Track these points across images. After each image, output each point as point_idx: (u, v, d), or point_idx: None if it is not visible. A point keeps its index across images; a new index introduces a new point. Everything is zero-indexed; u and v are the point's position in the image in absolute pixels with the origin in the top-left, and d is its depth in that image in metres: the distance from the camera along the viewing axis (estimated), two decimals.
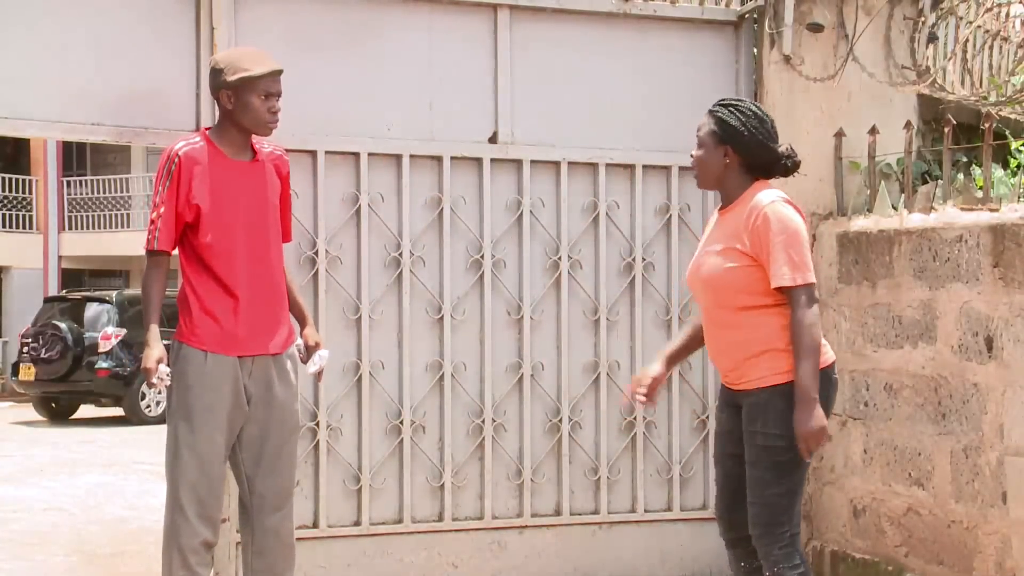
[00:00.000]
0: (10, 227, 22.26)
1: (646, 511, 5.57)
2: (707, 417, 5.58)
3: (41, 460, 11.03)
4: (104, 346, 14.90)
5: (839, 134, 5.52)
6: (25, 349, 15.36)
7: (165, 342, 3.99)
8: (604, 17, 5.53)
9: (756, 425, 3.71)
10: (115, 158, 23.72)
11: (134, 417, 14.86)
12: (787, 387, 3.65)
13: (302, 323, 4.33)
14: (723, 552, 4.05)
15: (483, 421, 5.35)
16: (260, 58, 4.09)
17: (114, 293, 16.09)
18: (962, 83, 5.96)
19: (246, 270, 4.06)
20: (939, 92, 5.60)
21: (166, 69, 4.94)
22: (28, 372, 15.19)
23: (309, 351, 4.31)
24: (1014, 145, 5.80)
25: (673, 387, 5.60)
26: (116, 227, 22.61)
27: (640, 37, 5.59)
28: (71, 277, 23.25)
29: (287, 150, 4.37)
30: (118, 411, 15.23)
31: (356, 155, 5.20)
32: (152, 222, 4.03)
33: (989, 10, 5.98)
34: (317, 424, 5.13)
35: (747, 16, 5.69)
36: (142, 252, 4.09)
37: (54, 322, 15.28)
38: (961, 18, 5.98)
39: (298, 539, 4.50)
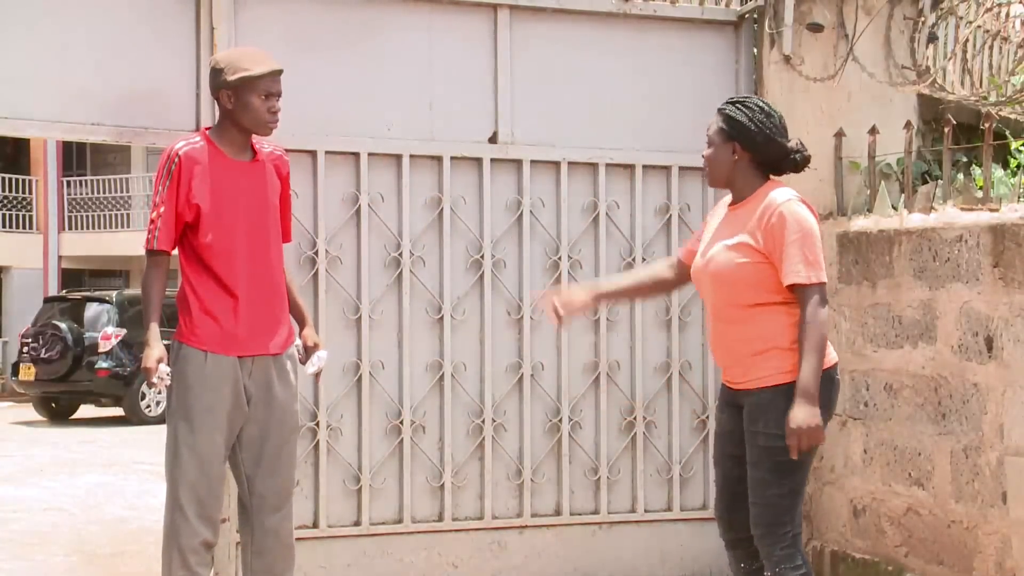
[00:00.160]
0: (10, 227, 22.26)
1: (646, 511, 5.57)
2: (707, 417, 5.57)
3: (41, 460, 11.03)
4: (104, 346, 14.90)
5: (839, 134, 5.52)
6: (25, 349, 15.36)
7: (165, 342, 3.99)
8: (604, 17, 5.53)
9: (758, 425, 3.70)
10: (115, 158, 23.72)
11: (134, 417, 14.86)
12: (790, 387, 3.64)
13: (301, 324, 4.33)
14: (723, 552, 4.05)
15: (483, 421, 5.35)
16: (260, 58, 4.09)
17: (114, 293, 16.09)
18: (962, 83, 5.96)
19: (246, 270, 4.06)
20: (939, 92, 5.60)
21: (166, 69, 4.94)
22: (28, 372, 15.20)
23: (308, 352, 4.31)
24: (1014, 145, 5.80)
25: (673, 387, 5.60)
26: (116, 227, 22.62)
27: (640, 37, 5.59)
28: (71, 277, 23.26)
29: (287, 150, 4.37)
30: (118, 411, 15.23)
31: (356, 155, 5.20)
32: (152, 222, 4.03)
33: (989, 10, 5.98)
34: (317, 424, 5.13)
35: (747, 16, 5.69)
36: (142, 252, 4.09)
37: (54, 322, 15.29)
38: (961, 18, 5.98)
39: (298, 539, 4.50)
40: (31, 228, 22.68)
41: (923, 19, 5.62)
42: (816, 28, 5.55)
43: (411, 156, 5.26)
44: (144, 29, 4.91)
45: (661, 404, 5.61)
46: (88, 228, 22.90)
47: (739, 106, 3.79)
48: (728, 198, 3.94)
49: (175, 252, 4.09)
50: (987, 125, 4.84)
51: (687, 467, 5.62)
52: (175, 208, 4.00)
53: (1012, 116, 5.91)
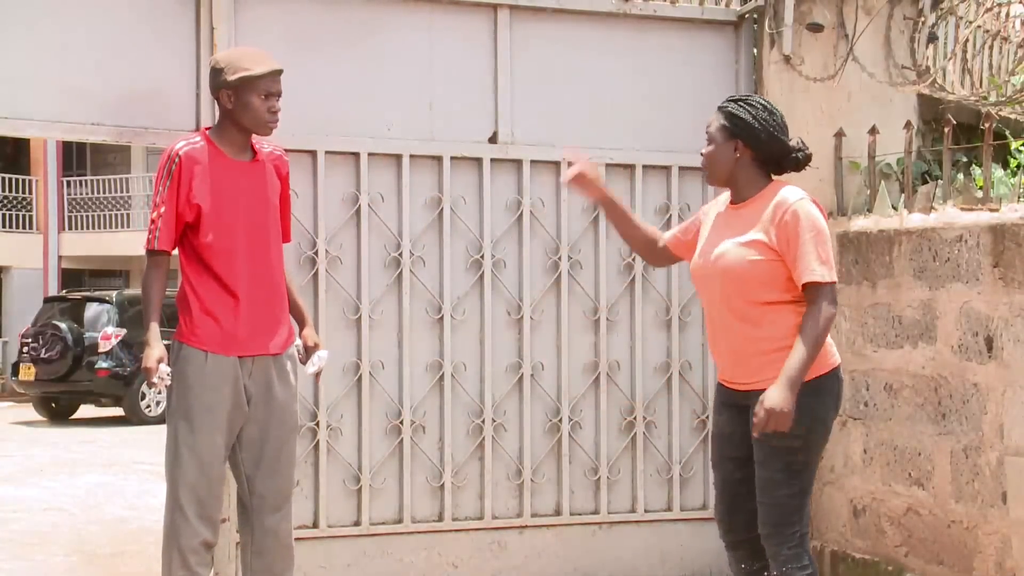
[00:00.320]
0: (10, 227, 22.26)
1: (646, 511, 5.57)
2: (707, 417, 5.57)
3: (41, 460, 11.03)
4: (104, 346, 14.90)
5: (839, 134, 5.52)
6: (25, 349, 15.36)
7: (165, 342, 3.98)
8: (604, 17, 5.53)
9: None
10: (115, 158, 23.72)
11: (134, 417, 14.86)
12: (804, 386, 3.60)
13: (301, 324, 4.33)
14: (723, 552, 4.03)
15: (483, 421, 5.35)
16: (260, 58, 4.09)
17: (114, 293, 16.09)
18: (962, 83, 5.96)
19: (246, 270, 4.06)
20: (939, 92, 5.60)
21: (166, 69, 4.94)
22: (28, 372, 15.20)
23: (308, 352, 4.31)
24: (1014, 145, 5.80)
25: (673, 387, 5.60)
26: (116, 227, 22.62)
27: (640, 37, 5.59)
28: (71, 277, 23.26)
29: (287, 150, 4.37)
30: (118, 411, 15.23)
31: (356, 155, 5.20)
32: (152, 222, 4.03)
33: (989, 10, 5.99)
34: (317, 424, 5.13)
35: (747, 16, 5.69)
36: (142, 252, 4.09)
37: (54, 322, 15.29)
38: (961, 18, 5.98)
39: (298, 539, 4.50)
40: (31, 228, 22.68)
41: (923, 19, 5.62)
42: (816, 28, 5.55)
43: (411, 156, 5.26)
44: (144, 29, 4.91)
45: (661, 404, 5.61)
46: (88, 228, 22.90)
47: (742, 104, 3.78)
48: (723, 197, 3.93)
49: (175, 252, 4.09)
50: (987, 125, 4.85)
51: (687, 467, 5.61)
52: (176, 208, 4.00)
53: (1012, 116, 5.91)
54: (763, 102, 3.81)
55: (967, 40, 5.96)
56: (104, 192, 22.85)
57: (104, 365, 14.84)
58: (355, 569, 5.17)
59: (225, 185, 4.04)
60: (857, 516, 5.29)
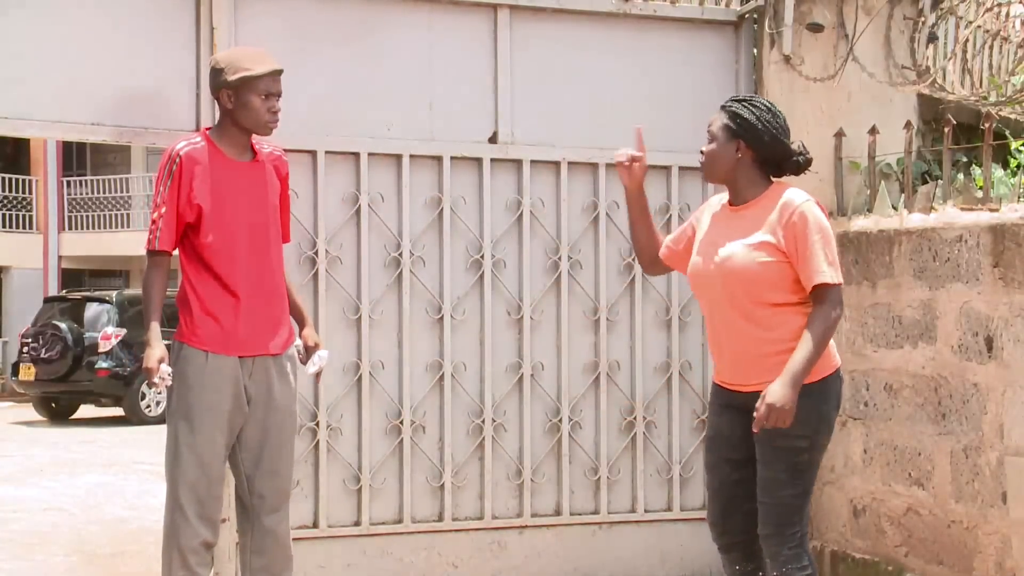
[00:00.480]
0: (10, 227, 22.26)
1: (646, 511, 5.57)
2: (707, 417, 5.57)
3: (41, 460, 11.03)
4: (104, 346, 14.90)
5: (839, 134, 5.52)
6: (25, 349, 15.36)
7: (165, 342, 3.98)
8: (604, 17, 5.53)
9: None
10: (115, 158, 23.72)
11: (134, 417, 14.86)
12: (809, 387, 3.61)
13: (301, 324, 4.33)
14: None
15: (483, 421, 5.35)
16: (260, 58, 4.09)
17: (114, 293, 16.09)
18: (962, 83, 5.96)
19: (247, 270, 4.06)
20: (939, 92, 5.60)
21: (166, 69, 4.94)
22: (28, 372, 15.20)
23: (308, 352, 4.31)
24: (1014, 145, 5.80)
25: (673, 387, 5.60)
26: (116, 227, 22.61)
27: (640, 37, 5.59)
28: (71, 277, 23.26)
29: (287, 150, 4.37)
30: (118, 411, 15.23)
31: (356, 155, 5.20)
32: (153, 222, 4.03)
33: (989, 10, 5.98)
34: (317, 424, 5.13)
35: (747, 16, 5.69)
36: (142, 252, 4.09)
37: (54, 322, 15.29)
38: (961, 18, 5.98)
39: (298, 539, 4.50)
40: (31, 228, 22.68)
41: (923, 19, 5.62)
42: (816, 28, 5.55)
43: (411, 156, 5.26)
44: (144, 29, 4.91)
45: (661, 404, 5.61)
46: (88, 228, 22.89)
47: (746, 104, 3.78)
48: (715, 200, 3.92)
49: (176, 252, 4.09)
50: (987, 125, 4.85)
51: (687, 467, 5.61)
52: (176, 208, 4.00)
53: (1012, 116, 5.91)
54: (767, 104, 3.81)
55: (967, 40, 5.96)
56: (104, 192, 22.85)
57: (104, 365, 14.85)
58: (355, 569, 5.17)
59: (226, 185, 4.04)
60: (857, 516, 5.29)
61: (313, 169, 5.14)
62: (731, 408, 3.83)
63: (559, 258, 5.45)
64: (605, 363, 5.51)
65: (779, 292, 3.68)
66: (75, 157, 23.97)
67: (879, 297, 5.14)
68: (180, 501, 4.01)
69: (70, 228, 23.03)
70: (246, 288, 4.04)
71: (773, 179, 3.82)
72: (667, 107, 5.59)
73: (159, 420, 12.80)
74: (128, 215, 22.55)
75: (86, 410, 15.81)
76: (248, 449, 4.11)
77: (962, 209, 4.77)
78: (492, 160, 5.37)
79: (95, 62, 4.84)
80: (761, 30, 5.63)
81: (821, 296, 3.64)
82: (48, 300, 17.21)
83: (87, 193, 22.99)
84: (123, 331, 14.89)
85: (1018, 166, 5.66)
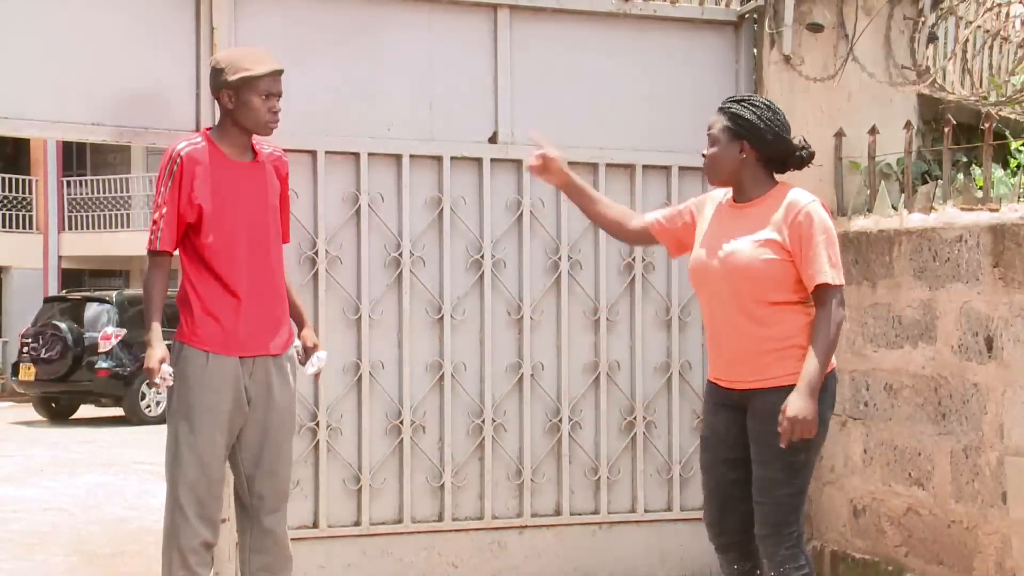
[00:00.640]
0: (10, 227, 22.26)
1: (646, 511, 5.57)
2: None
3: (41, 460, 11.03)
4: (104, 346, 14.90)
5: (839, 134, 5.52)
6: (25, 349, 15.36)
7: (166, 342, 3.98)
8: (604, 17, 5.53)
9: (773, 425, 3.62)
10: (115, 158, 23.72)
11: (134, 417, 14.86)
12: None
13: (300, 324, 4.33)
14: None
15: (483, 421, 5.35)
16: (261, 58, 4.09)
17: (114, 293, 16.09)
18: (962, 83, 5.96)
19: (247, 271, 4.06)
20: (939, 92, 5.60)
21: (166, 69, 4.94)
22: (28, 372, 15.20)
23: (307, 352, 4.31)
24: (1014, 145, 5.81)
25: (673, 387, 5.60)
26: (116, 227, 22.62)
27: (640, 37, 5.59)
28: (71, 277, 23.26)
29: (287, 150, 4.37)
30: (118, 411, 15.23)
31: (356, 155, 5.20)
32: (154, 222, 4.03)
33: (989, 10, 5.98)
34: (317, 424, 5.13)
35: (747, 16, 5.69)
36: (142, 252, 4.09)
37: (54, 322, 15.29)
38: (961, 18, 5.98)
39: (298, 539, 4.50)
40: (31, 228, 22.68)
41: (923, 19, 5.62)
42: (816, 28, 5.55)
43: (411, 156, 5.26)
44: (144, 29, 4.91)
45: (661, 404, 5.61)
46: (88, 228, 22.90)
47: (745, 104, 3.78)
48: (719, 193, 3.91)
49: (176, 252, 4.09)
50: (987, 125, 4.85)
51: (687, 467, 5.61)
52: (177, 208, 4.00)
53: (1012, 116, 5.91)
54: (766, 102, 3.81)
55: (967, 40, 5.96)
56: (104, 192, 22.85)
57: (104, 365, 14.85)
58: (355, 569, 5.17)
59: (226, 186, 4.04)
60: (857, 516, 5.29)
61: (313, 169, 5.14)
62: (726, 407, 3.82)
63: (559, 258, 5.45)
64: (605, 363, 5.51)
65: (781, 290, 3.68)
66: (75, 157, 23.97)
67: (879, 297, 5.14)
68: (180, 501, 4.01)
69: (70, 228, 23.03)
70: (247, 288, 4.05)
71: (777, 177, 3.82)
72: (667, 107, 5.59)
73: (159, 420, 12.80)
74: (128, 215, 22.56)
75: (86, 410, 15.81)
76: (248, 449, 4.11)
77: (962, 209, 4.77)
78: (492, 160, 5.37)
79: (95, 62, 4.84)
80: (761, 30, 5.63)
81: (823, 297, 3.64)
82: (48, 300, 17.21)
83: (87, 193, 22.99)
84: (123, 331, 14.89)
85: (1018, 166, 5.66)
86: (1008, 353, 4.47)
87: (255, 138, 4.14)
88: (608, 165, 5.50)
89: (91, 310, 15.44)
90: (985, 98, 5.77)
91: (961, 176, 5.27)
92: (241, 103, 4.03)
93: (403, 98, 5.28)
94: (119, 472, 10.11)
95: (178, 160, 4.00)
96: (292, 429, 4.24)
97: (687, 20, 5.64)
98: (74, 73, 4.82)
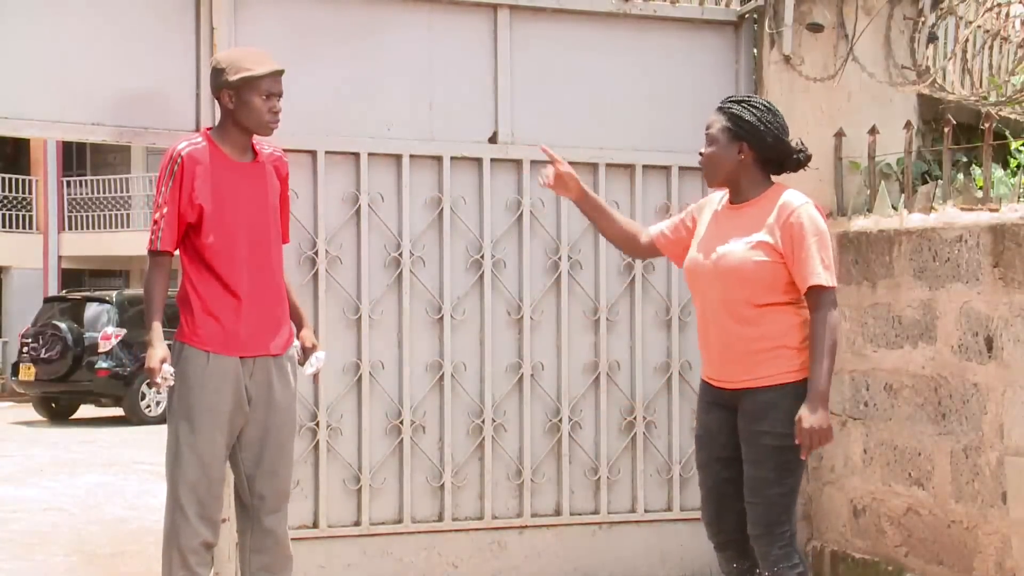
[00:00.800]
0: (10, 227, 22.26)
1: (646, 511, 5.57)
2: None
3: (41, 460, 11.03)
4: (104, 346, 14.89)
5: (839, 134, 5.52)
6: (25, 349, 15.36)
7: (167, 342, 3.98)
8: (604, 17, 5.53)
9: (764, 424, 3.66)
10: (115, 158, 23.72)
11: (134, 417, 14.86)
12: (797, 386, 3.64)
13: (299, 325, 4.33)
14: None
15: (483, 421, 5.35)
16: (261, 58, 4.09)
17: (114, 293, 16.09)
18: (962, 83, 5.96)
19: (248, 271, 4.06)
20: (939, 92, 5.60)
21: (166, 69, 4.94)
22: (28, 372, 15.19)
23: (306, 353, 4.31)
24: (1014, 145, 5.80)
25: (673, 387, 5.60)
26: (116, 227, 22.62)
27: (640, 37, 5.59)
28: (71, 277, 23.25)
29: (287, 150, 4.37)
30: (118, 411, 15.23)
31: (356, 155, 5.20)
32: (155, 222, 4.03)
33: (989, 10, 5.98)
34: (317, 424, 5.13)
35: (747, 16, 5.69)
36: (142, 252, 4.10)
37: (54, 322, 15.28)
38: (961, 18, 5.98)
39: (298, 539, 4.50)
40: (31, 228, 22.68)
41: (923, 19, 5.62)
42: (816, 28, 5.55)
43: (411, 156, 5.27)
44: (144, 29, 4.91)
45: (661, 404, 5.61)
46: (88, 228, 22.90)
47: (745, 105, 3.78)
48: (717, 196, 3.92)
49: (177, 252, 4.09)
50: (987, 125, 4.85)
51: (687, 467, 5.61)
52: (178, 208, 4.00)
53: (1012, 116, 5.91)
54: (765, 103, 3.81)
55: (967, 40, 5.96)
56: (104, 192, 22.85)
57: (104, 365, 14.84)
58: (355, 569, 5.17)
59: (227, 186, 4.04)
60: (857, 516, 5.29)
61: (313, 169, 5.14)
62: (718, 406, 3.84)
63: (559, 258, 5.45)
64: (605, 363, 5.51)
65: (772, 292, 3.69)
66: (75, 157, 23.97)
67: (879, 297, 5.14)
68: (180, 501, 4.01)
69: (70, 228, 23.03)
70: (247, 288, 4.05)
71: (773, 178, 3.82)
72: (667, 107, 5.59)
73: (159, 420, 12.81)
74: (128, 215, 22.55)
75: (86, 410, 15.81)
76: (248, 449, 4.11)
77: (962, 209, 4.77)
78: (492, 160, 5.37)
79: (95, 62, 4.84)
80: (761, 30, 5.63)
81: (816, 299, 3.65)
82: (48, 300, 17.21)
83: (87, 193, 22.99)
84: (123, 331, 14.88)
85: (1018, 166, 5.66)
86: (1008, 353, 4.47)
87: (255, 138, 4.14)
88: (608, 165, 5.50)
89: (91, 310, 15.43)
90: (985, 98, 5.77)
91: (961, 176, 5.27)
92: (242, 103, 4.03)
93: (403, 98, 5.28)
94: (119, 472, 10.11)
95: (179, 160, 4.00)
96: (293, 429, 4.24)
97: (687, 20, 5.64)
98: (74, 73, 4.82)
